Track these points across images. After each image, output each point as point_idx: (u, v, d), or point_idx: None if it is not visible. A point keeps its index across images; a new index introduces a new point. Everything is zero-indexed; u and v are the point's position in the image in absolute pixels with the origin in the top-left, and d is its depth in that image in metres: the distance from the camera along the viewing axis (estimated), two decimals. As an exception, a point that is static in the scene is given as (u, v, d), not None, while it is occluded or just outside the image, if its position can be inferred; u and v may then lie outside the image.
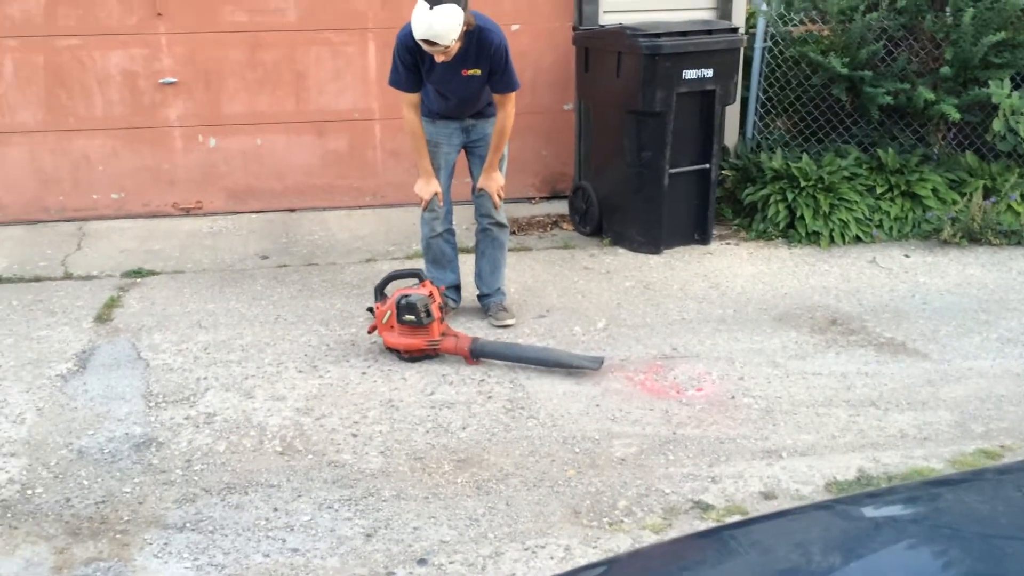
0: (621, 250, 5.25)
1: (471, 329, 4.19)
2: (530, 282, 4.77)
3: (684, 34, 4.96)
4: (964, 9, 5.24)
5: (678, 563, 1.44)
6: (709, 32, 5.09)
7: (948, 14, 5.34)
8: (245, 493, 3.03)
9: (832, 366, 3.89)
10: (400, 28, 3.86)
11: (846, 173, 5.44)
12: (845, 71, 5.37)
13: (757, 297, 4.61)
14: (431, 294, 3.85)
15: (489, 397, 3.63)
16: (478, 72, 3.85)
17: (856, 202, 5.34)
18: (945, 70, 5.32)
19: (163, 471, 3.15)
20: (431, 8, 3.56)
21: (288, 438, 3.35)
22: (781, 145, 5.77)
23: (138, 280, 4.80)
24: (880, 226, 5.38)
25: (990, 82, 5.33)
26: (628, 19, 5.33)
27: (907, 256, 5.17)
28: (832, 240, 5.27)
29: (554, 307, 4.47)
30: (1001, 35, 5.22)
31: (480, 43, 3.78)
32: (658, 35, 4.88)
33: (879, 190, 5.43)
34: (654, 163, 5.07)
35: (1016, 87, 5.44)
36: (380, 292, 3.98)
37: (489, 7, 5.67)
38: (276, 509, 2.95)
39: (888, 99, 5.40)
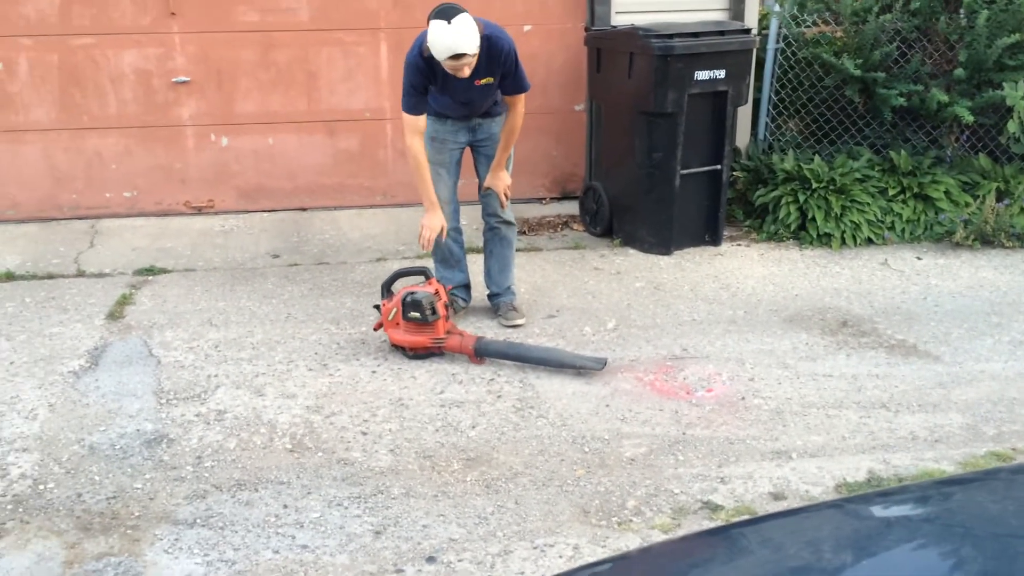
0: (631, 251, 5.24)
1: (480, 328, 4.20)
2: (540, 282, 4.77)
3: (696, 35, 4.95)
4: (978, 11, 5.21)
5: (688, 560, 1.44)
6: (721, 33, 5.08)
7: (962, 16, 5.32)
8: (255, 490, 3.04)
9: (843, 368, 3.88)
10: (410, 48, 3.80)
11: (858, 175, 5.42)
12: (858, 72, 5.35)
13: (768, 298, 4.60)
14: (437, 292, 3.87)
15: (499, 396, 3.63)
16: (491, 80, 3.85)
17: (868, 204, 5.32)
18: (959, 72, 5.30)
19: (174, 467, 3.17)
20: (449, 23, 3.55)
21: (298, 436, 3.36)
22: (793, 146, 5.75)
23: (150, 278, 4.82)
24: (892, 228, 5.36)
25: (1004, 84, 5.30)
26: (640, 20, 5.32)
27: (919, 258, 5.15)
28: (844, 242, 5.26)
29: (564, 307, 4.47)
30: (1015, 37, 5.20)
31: (490, 51, 3.75)
32: (670, 36, 4.87)
33: (891, 192, 5.41)
34: (665, 164, 5.06)
35: (1030, 89, 5.41)
36: (387, 289, 3.99)
37: (500, 8, 5.71)
38: (286, 506, 2.96)
39: (901, 101, 5.38)
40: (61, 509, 2.94)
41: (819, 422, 3.46)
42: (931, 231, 5.36)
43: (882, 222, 5.35)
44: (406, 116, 3.85)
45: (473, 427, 3.42)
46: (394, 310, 3.86)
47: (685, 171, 5.09)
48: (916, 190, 5.40)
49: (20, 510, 2.93)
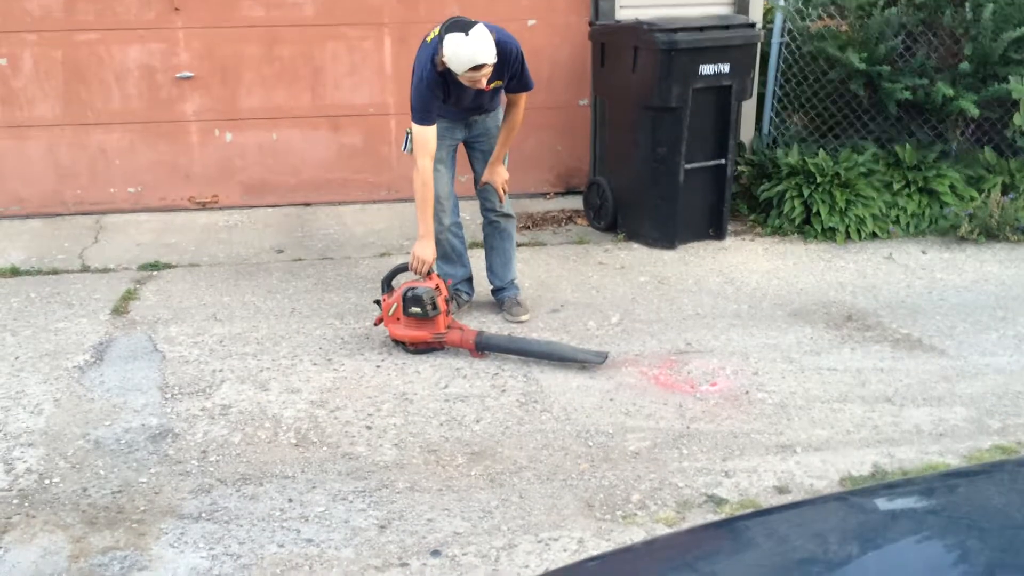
0: (636, 245, 5.23)
1: (484, 324, 4.20)
2: (544, 277, 4.77)
3: (701, 29, 4.94)
4: (984, 4, 5.19)
5: (694, 552, 1.44)
6: (726, 27, 5.07)
7: (967, 9, 5.29)
8: (260, 484, 3.05)
9: (847, 362, 3.87)
10: (417, 65, 3.77)
11: (863, 169, 5.40)
12: (863, 66, 5.33)
13: (772, 293, 4.59)
14: (437, 287, 3.86)
15: (503, 391, 3.63)
16: (500, 83, 3.87)
17: (873, 198, 5.31)
18: (964, 66, 5.28)
19: (179, 462, 3.17)
20: (467, 35, 3.55)
21: (303, 430, 3.36)
22: (797, 141, 5.73)
23: (154, 273, 4.83)
24: (897, 222, 5.34)
25: (1010, 78, 5.28)
26: (644, 14, 5.31)
27: (924, 252, 5.14)
28: (848, 236, 5.24)
29: (568, 302, 4.47)
30: (1021, 31, 5.17)
31: (501, 56, 3.71)
32: (674, 30, 4.86)
33: (896, 186, 5.39)
34: (670, 159, 5.05)
35: (1036, 83, 5.39)
36: (387, 285, 3.98)
37: (505, 3, 5.70)
38: (291, 500, 2.97)
39: (906, 95, 5.36)
40: (67, 503, 2.95)
41: (823, 416, 3.45)
42: (936, 225, 5.35)
43: (887, 216, 5.33)
44: (419, 130, 3.76)
45: (477, 421, 3.42)
46: (394, 305, 3.86)
47: (689, 166, 5.08)
48: (921, 184, 5.39)
49: (26, 504, 2.94)
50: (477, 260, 4.49)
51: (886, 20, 5.35)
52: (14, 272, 4.80)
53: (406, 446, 3.27)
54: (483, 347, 3.87)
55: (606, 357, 3.81)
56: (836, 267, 4.93)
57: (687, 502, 2.95)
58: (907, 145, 5.53)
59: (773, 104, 5.84)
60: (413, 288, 3.83)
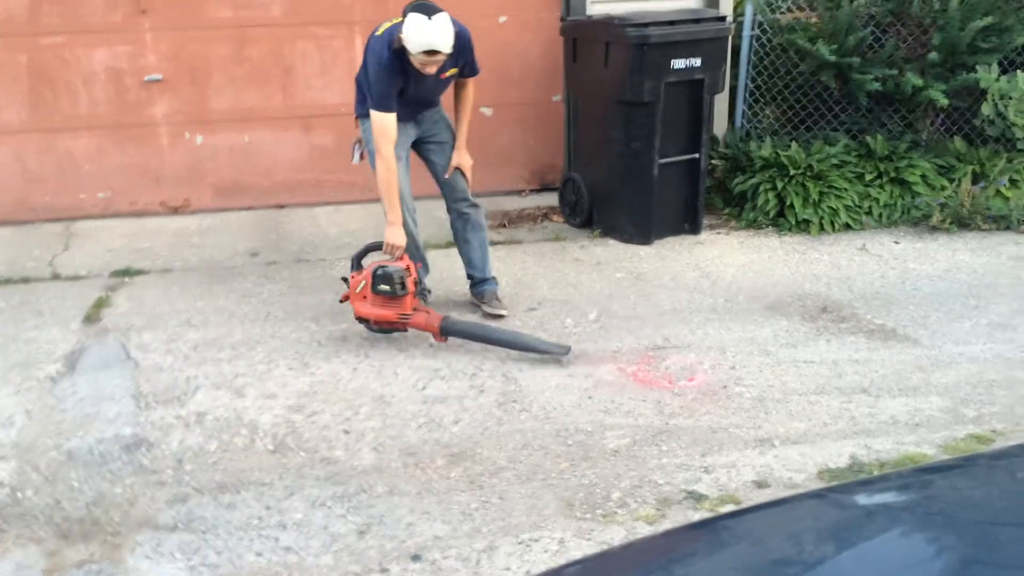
0: (612, 241, 5.24)
1: (462, 317, 4.18)
2: (521, 274, 4.76)
3: (672, 23, 4.94)
4: (951, -6, 5.24)
5: (671, 555, 1.44)
6: (697, 21, 5.08)
7: (935, 0, 5.33)
8: (237, 492, 3.02)
9: (823, 354, 3.89)
10: (372, 51, 3.80)
11: (835, 161, 5.43)
12: (833, 58, 5.37)
13: (748, 286, 4.61)
14: (408, 268, 3.86)
15: (481, 391, 3.62)
16: (455, 71, 3.96)
17: (845, 189, 5.34)
18: (933, 56, 5.32)
19: (154, 471, 3.14)
20: (430, 19, 3.61)
21: (280, 436, 3.33)
22: (770, 133, 5.76)
23: (126, 279, 4.77)
24: (869, 213, 5.38)
25: (978, 67, 5.34)
26: (616, 9, 5.31)
27: (897, 242, 5.18)
28: (822, 228, 5.28)
29: (545, 299, 4.46)
30: (988, 20, 5.22)
31: (457, 46, 3.78)
32: (646, 24, 4.86)
33: (868, 177, 5.43)
34: (644, 153, 5.06)
35: (1004, 71, 5.45)
36: (357, 262, 3.99)
37: (475, -1, 5.67)
38: (268, 507, 2.94)
39: (876, 86, 5.40)
40: (40, 517, 2.91)
41: (801, 409, 3.47)
42: (908, 215, 5.39)
43: (860, 207, 5.37)
44: (380, 117, 3.79)
45: (456, 423, 3.41)
46: (363, 282, 3.86)
47: (663, 160, 5.09)
48: (893, 174, 5.43)
49: (-2, 519, 2.89)
50: (449, 260, 4.47)
51: (855, 11, 5.38)
52: (-18, 281, 4.73)
53: (385, 449, 3.25)
54: (448, 332, 3.87)
55: (569, 350, 3.82)
56: (810, 259, 4.96)
57: (667, 499, 2.95)
58: (878, 136, 5.57)
59: (745, 97, 5.86)
60: (384, 266, 3.84)
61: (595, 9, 5.56)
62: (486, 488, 3.02)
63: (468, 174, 4.20)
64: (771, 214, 5.33)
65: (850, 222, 5.32)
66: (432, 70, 3.74)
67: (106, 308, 4.41)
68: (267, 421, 3.43)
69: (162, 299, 4.50)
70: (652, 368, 3.79)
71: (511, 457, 3.19)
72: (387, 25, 3.83)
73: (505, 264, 4.81)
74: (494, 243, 5.19)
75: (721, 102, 5.69)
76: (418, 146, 4.18)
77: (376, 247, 3.99)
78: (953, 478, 1.52)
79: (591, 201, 5.36)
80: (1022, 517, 1.37)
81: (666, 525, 2.83)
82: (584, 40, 5.19)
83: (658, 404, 3.51)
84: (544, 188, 6.03)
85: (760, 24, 5.74)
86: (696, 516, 2.86)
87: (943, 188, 5.42)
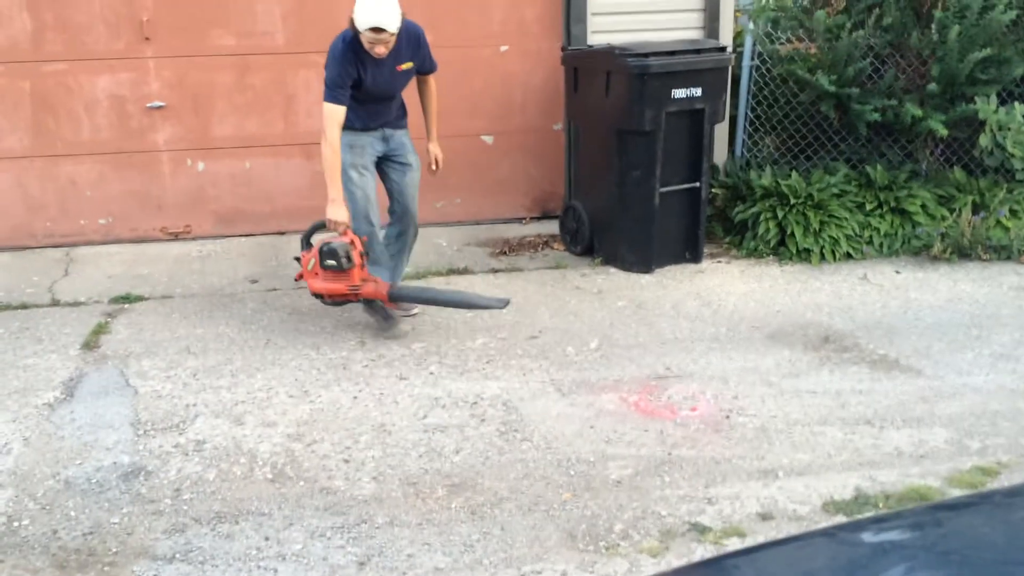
0: (612, 269, 5.23)
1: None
2: (521, 302, 4.75)
3: (672, 53, 4.98)
4: (949, 26, 5.28)
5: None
6: (697, 51, 5.11)
7: (934, 31, 5.38)
8: (236, 522, 2.98)
9: (826, 384, 3.87)
10: (332, 44, 4.07)
11: (835, 190, 5.45)
12: (832, 88, 5.40)
13: (749, 315, 4.60)
14: (352, 242, 4.09)
15: (482, 420, 3.60)
16: (411, 65, 4.21)
17: (846, 219, 5.35)
18: (932, 87, 5.35)
19: (152, 501, 3.10)
20: None
21: (279, 465, 3.30)
22: (770, 163, 5.78)
23: (126, 306, 4.75)
24: (870, 242, 5.39)
25: (976, 98, 5.36)
26: (616, 39, 5.34)
27: (898, 272, 5.18)
28: (823, 257, 5.28)
29: (546, 328, 4.45)
30: (987, 51, 5.26)
31: (408, 37, 4.12)
32: (646, 55, 4.89)
33: (868, 206, 5.44)
34: (644, 182, 5.07)
35: (1002, 103, 5.48)
36: (306, 241, 4.26)
37: (477, 28, 5.72)
38: (267, 538, 2.91)
39: (876, 116, 5.43)
40: (36, 546, 2.87)
41: (804, 439, 3.45)
42: (909, 245, 5.39)
43: (860, 237, 5.38)
44: (330, 107, 4.06)
45: (457, 452, 3.38)
46: (312, 260, 4.12)
47: (664, 189, 5.10)
48: (893, 204, 5.44)
49: (-7, 549, 2.86)
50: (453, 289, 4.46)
51: (854, 42, 5.42)
52: (-19, 307, 4.71)
53: (385, 479, 3.22)
54: (396, 297, 4.19)
55: (507, 303, 4.18)
56: (812, 288, 4.95)
57: (670, 531, 2.92)
58: (878, 166, 5.59)
59: (745, 126, 5.89)
60: (328, 243, 4.08)
61: (596, 39, 5.60)
62: (487, 519, 2.99)
63: (440, 164, 4.48)
64: (772, 243, 5.33)
65: (851, 251, 5.32)
66: (381, 50, 3.97)
67: (105, 335, 4.39)
68: (266, 450, 3.40)
69: (162, 326, 4.49)
70: (654, 397, 3.77)
71: (512, 487, 3.16)
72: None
73: (506, 291, 4.80)
74: (495, 270, 5.20)
75: (721, 131, 5.72)
76: (381, 162, 4.37)
77: (322, 226, 4.19)
78: (968, 516, 1.49)
79: (592, 229, 5.36)
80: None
81: (670, 557, 2.80)
82: (585, 70, 5.22)
83: (660, 434, 3.49)
84: (545, 216, 6.04)
85: (760, 54, 5.78)
86: (699, 548, 2.83)
87: (943, 218, 5.43)
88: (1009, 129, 5.37)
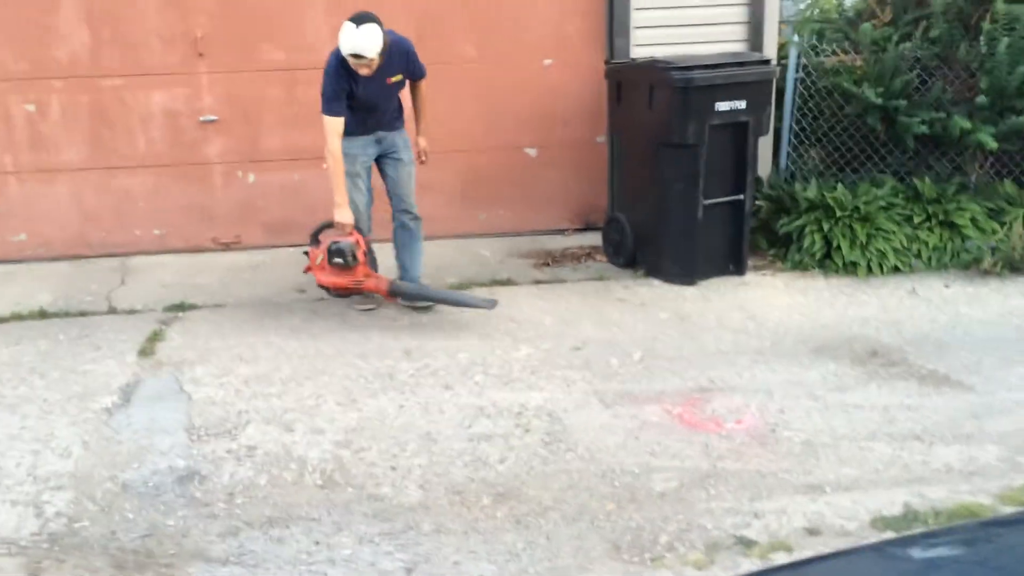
0: (655, 281, 5.24)
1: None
2: (565, 313, 4.78)
3: (716, 66, 4.99)
4: (998, 39, 5.22)
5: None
6: (741, 64, 5.12)
7: (982, 43, 5.32)
8: (286, 527, 3.05)
9: (873, 399, 3.85)
10: (327, 62, 4.36)
11: (882, 203, 5.40)
12: (879, 101, 5.36)
13: (795, 328, 4.58)
14: (357, 242, 4.51)
15: (527, 430, 3.63)
16: (400, 77, 4.52)
17: (894, 232, 5.30)
18: (981, 100, 5.29)
19: (206, 504, 3.18)
20: (357, 27, 4.18)
21: (328, 471, 3.37)
22: (815, 175, 5.74)
23: (180, 314, 4.87)
24: (919, 256, 5.33)
25: (1027, 111, 5.29)
26: (659, 53, 5.37)
27: (947, 286, 5.11)
28: (870, 270, 5.23)
29: (590, 339, 4.47)
30: (1037, 64, 5.19)
31: (396, 52, 4.40)
32: (690, 68, 4.91)
33: (916, 220, 5.38)
34: (688, 195, 5.07)
35: (1054, 115, 5.39)
36: (314, 238, 4.68)
37: (523, 43, 5.77)
38: (317, 543, 2.97)
39: (923, 128, 5.37)
40: (96, 547, 2.96)
41: (851, 454, 3.43)
42: (958, 259, 5.32)
43: (908, 250, 5.32)
44: (328, 120, 4.39)
45: (502, 461, 3.42)
46: (320, 256, 4.55)
47: (708, 201, 5.10)
48: (942, 217, 5.38)
49: (56, 548, 2.96)
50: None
51: (901, 55, 5.38)
52: (43, 314, 4.86)
53: (431, 487, 3.27)
54: (395, 292, 4.61)
55: (495, 304, 4.51)
56: (858, 302, 4.91)
57: (716, 544, 2.93)
58: (926, 178, 5.54)
59: (790, 139, 5.86)
60: (336, 242, 4.50)
61: (638, 52, 5.62)
62: (532, 528, 3.02)
63: (427, 156, 4.83)
64: (817, 256, 5.30)
65: (899, 265, 5.27)
66: (365, 71, 4.29)
67: (160, 342, 4.51)
68: (315, 456, 3.47)
69: (214, 333, 4.60)
70: (698, 410, 3.77)
71: (557, 497, 3.19)
72: None
73: (549, 302, 4.84)
74: (538, 281, 5.24)
75: (765, 143, 5.71)
76: (378, 160, 4.71)
77: (329, 224, 4.60)
78: (1021, 532, 1.49)
79: (635, 241, 5.38)
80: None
81: (715, 570, 2.80)
82: (628, 83, 5.25)
83: (705, 447, 3.49)
84: (587, 228, 6.06)
85: (804, 67, 5.76)
86: (746, 562, 2.83)
87: (994, 232, 5.35)
88: (1060, 142, 5.29)
